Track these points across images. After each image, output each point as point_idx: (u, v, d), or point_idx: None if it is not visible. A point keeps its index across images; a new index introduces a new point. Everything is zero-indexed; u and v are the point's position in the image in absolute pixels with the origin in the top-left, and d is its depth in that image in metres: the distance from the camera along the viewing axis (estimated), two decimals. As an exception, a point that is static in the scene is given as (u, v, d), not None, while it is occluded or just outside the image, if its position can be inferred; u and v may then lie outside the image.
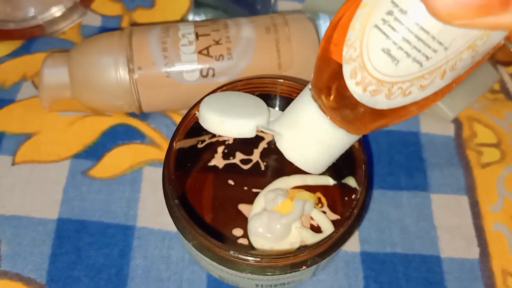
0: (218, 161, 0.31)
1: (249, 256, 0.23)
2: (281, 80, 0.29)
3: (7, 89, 0.36)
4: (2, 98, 0.35)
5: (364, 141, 0.29)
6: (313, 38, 0.33)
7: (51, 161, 0.32)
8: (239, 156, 0.31)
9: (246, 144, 0.31)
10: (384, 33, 0.16)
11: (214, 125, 0.24)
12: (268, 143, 0.32)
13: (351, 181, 0.28)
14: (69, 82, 0.32)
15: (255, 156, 0.31)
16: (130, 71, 0.31)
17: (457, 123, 0.36)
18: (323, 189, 0.29)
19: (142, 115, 0.35)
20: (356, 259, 0.30)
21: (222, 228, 0.29)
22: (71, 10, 0.39)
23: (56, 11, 0.38)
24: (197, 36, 0.32)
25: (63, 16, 0.38)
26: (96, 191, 0.31)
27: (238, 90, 0.29)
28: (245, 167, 0.31)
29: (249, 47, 0.32)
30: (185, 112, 0.28)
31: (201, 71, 0.31)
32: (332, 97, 0.20)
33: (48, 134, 0.34)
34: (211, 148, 0.31)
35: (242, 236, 0.29)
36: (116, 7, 0.41)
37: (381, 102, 0.18)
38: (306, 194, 0.29)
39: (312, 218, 0.29)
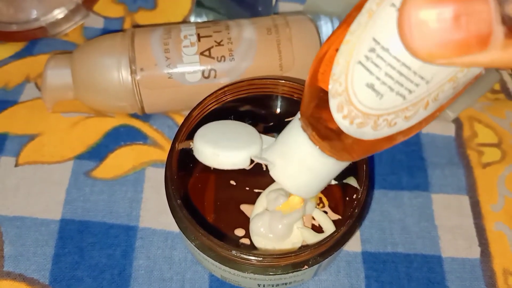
0: (220, 161, 0.31)
1: (251, 256, 0.23)
2: (283, 81, 0.29)
3: (10, 91, 0.36)
4: (5, 99, 0.35)
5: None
6: (314, 39, 0.33)
7: (54, 162, 0.33)
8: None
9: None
10: (367, 69, 0.17)
11: (208, 158, 0.25)
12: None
13: (352, 181, 0.28)
14: (72, 83, 0.32)
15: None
16: (133, 72, 0.31)
17: (458, 123, 0.36)
18: (324, 189, 0.29)
19: (144, 116, 0.35)
20: (357, 259, 0.30)
21: (224, 228, 0.29)
22: (74, 12, 0.39)
23: (59, 13, 0.38)
24: (199, 37, 0.32)
25: (66, 18, 0.39)
26: (99, 191, 0.32)
27: (241, 91, 0.29)
28: (247, 167, 0.31)
29: (250, 48, 0.32)
30: (187, 113, 0.28)
31: (203, 72, 0.32)
32: (320, 129, 0.20)
33: (51, 135, 0.34)
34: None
35: (244, 236, 0.29)
36: (118, 9, 0.41)
37: (368, 133, 0.18)
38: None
39: (313, 218, 0.29)
